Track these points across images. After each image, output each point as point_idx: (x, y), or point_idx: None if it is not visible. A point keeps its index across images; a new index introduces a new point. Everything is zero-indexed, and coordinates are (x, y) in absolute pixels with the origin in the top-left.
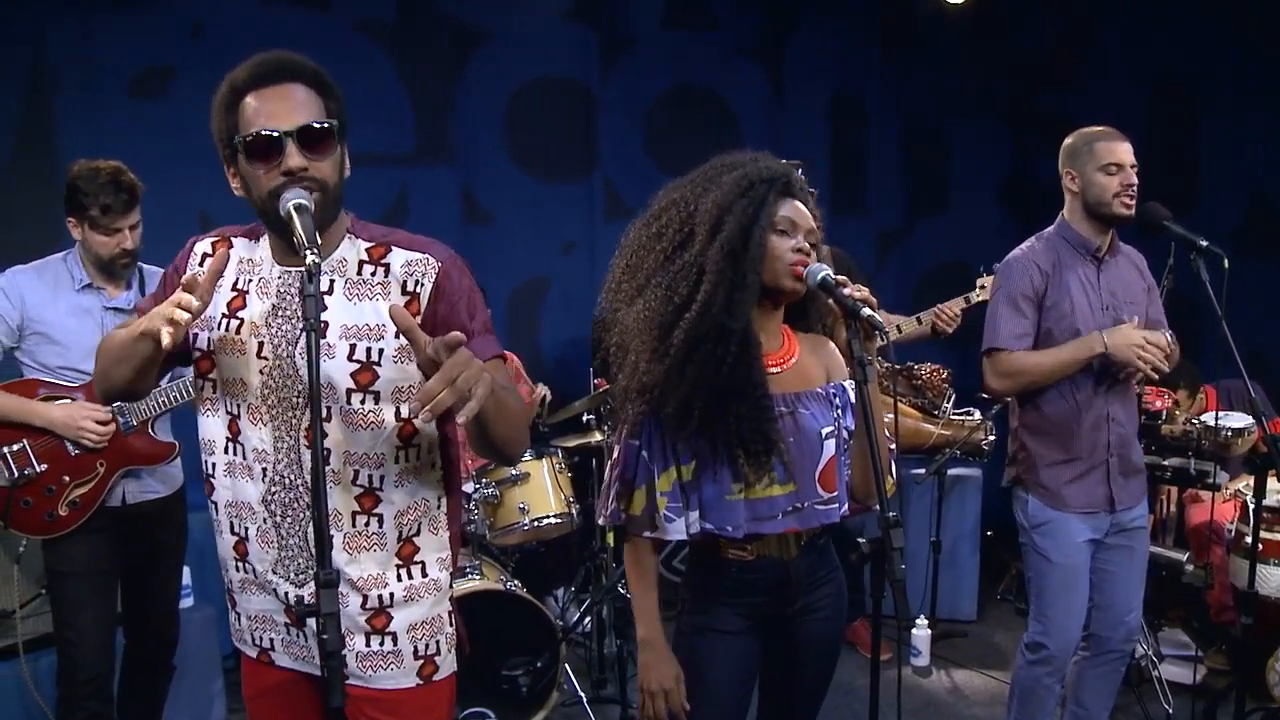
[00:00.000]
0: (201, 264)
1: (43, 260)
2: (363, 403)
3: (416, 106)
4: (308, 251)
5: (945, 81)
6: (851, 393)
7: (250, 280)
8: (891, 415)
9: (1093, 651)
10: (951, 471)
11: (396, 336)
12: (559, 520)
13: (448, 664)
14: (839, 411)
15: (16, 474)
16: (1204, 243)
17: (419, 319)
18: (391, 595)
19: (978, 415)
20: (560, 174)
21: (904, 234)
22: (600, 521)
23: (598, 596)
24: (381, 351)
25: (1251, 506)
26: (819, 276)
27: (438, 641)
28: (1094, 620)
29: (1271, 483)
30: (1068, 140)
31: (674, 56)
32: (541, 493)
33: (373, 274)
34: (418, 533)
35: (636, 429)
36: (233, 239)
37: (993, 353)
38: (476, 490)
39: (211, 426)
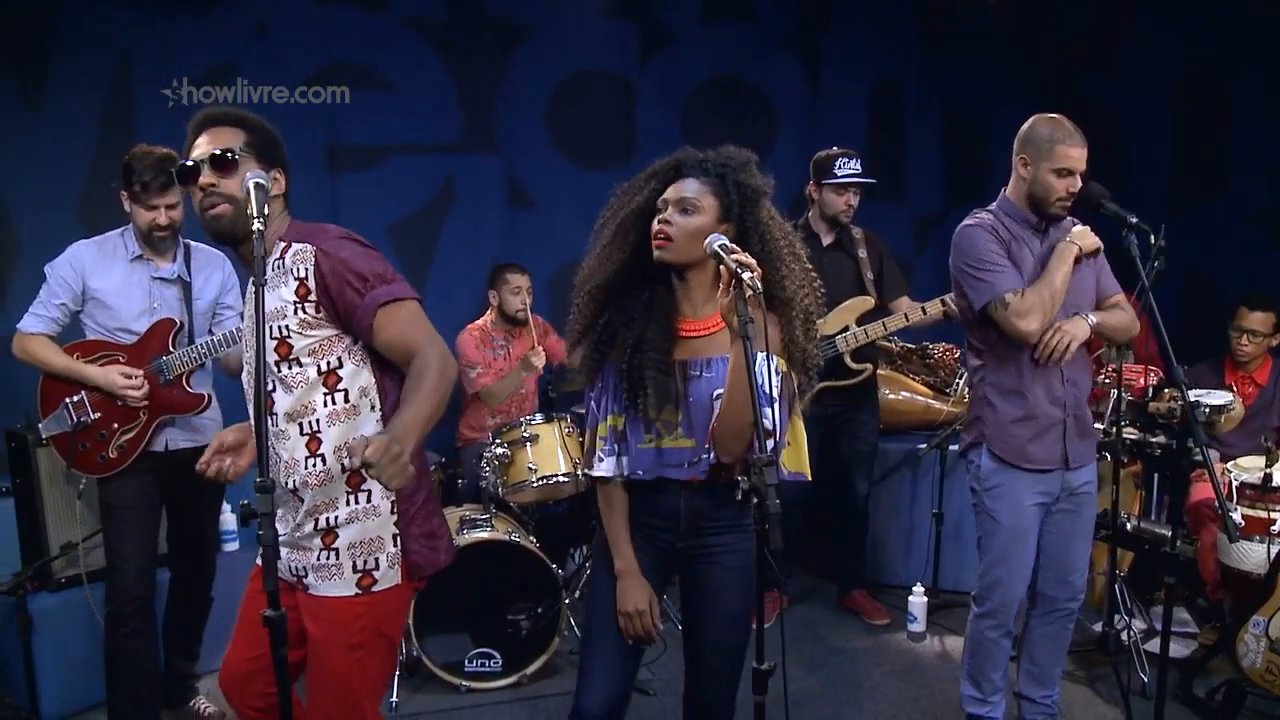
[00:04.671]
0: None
1: (105, 234)
2: (289, 368)
3: (463, 99)
4: (255, 221)
5: (984, 69)
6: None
7: None
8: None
9: (1041, 610)
10: (957, 447)
11: (295, 312)
12: (565, 479)
13: (387, 578)
14: None
15: (75, 420)
16: (1134, 219)
17: (313, 298)
18: (337, 518)
19: None
20: (600, 161)
21: (941, 221)
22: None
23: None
24: (288, 327)
25: (1216, 479)
26: (714, 246)
27: (377, 559)
28: (1040, 579)
29: (1255, 460)
30: (1030, 126)
31: (712, 48)
32: (550, 453)
33: (274, 269)
34: None
35: (592, 383)
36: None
37: (998, 305)
38: (489, 450)
39: None
